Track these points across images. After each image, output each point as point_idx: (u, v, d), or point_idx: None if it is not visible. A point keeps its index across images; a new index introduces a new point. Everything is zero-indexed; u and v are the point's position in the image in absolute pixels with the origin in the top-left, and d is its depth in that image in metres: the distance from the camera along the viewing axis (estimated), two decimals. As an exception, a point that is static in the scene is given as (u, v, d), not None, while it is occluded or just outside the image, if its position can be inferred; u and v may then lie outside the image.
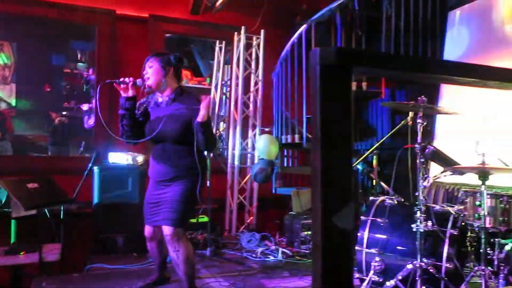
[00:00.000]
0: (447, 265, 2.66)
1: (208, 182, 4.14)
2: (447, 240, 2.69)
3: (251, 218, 5.60)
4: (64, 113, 6.42)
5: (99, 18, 5.24)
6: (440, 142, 4.84)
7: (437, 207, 2.89)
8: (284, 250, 4.48)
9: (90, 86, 6.41)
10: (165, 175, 2.81)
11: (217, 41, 6.02)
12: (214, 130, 2.97)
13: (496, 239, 2.49)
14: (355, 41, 4.67)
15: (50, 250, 3.73)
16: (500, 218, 2.41)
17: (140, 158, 4.52)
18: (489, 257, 2.51)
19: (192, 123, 2.71)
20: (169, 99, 2.85)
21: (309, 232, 4.78)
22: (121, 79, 2.76)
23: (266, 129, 5.62)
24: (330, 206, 0.83)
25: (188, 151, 2.75)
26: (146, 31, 5.43)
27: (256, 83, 5.70)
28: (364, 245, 2.94)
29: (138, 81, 2.79)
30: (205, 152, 3.20)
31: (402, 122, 3.74)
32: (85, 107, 6.51)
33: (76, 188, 4.06)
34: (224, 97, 6.17)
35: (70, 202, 4.12)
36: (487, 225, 2.41)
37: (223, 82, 6.11)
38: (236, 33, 5.65)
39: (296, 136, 4.88)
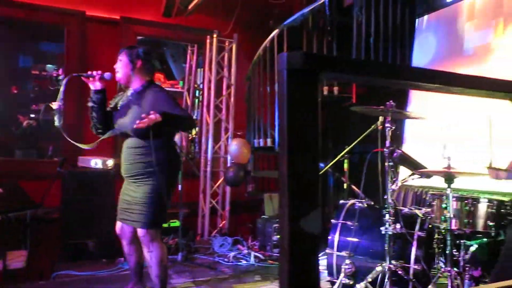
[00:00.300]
0: (415, 266, 2.72)
1: (179, 186, 4.10)
2: (414, 242, 2.74)
3: (224, 222, 5.58)
4: (32, 116, 6.24)
5: (68, 19, 5.13)
6: (409, 146, 4.95)
7: (406, 210, 2.95)
8: (256, 254, 4.48)
9: (59, 87, 6.26)
10: (130, 171, 2.75)
11: (189, 44, 5.99)
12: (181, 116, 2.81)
13: (462, 241, 2.55)
14: (326, 47, 4.72)
15: (15, 257, 3.61)
16: (465, 220, 2.48)
17: (110, 162, 4.44)
18: (455, 258, 2.57)
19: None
20: (136, 92, 2.81)
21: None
22: (89, 73, 2.76)
23: (239, 133, 5.62)
24: (297, 210, 0.83)
25: (156, 146, 2.65)
26: (117, 33, 5.35)
27: (228, 87, 5.69)
28: (335, 248, 2.97)
29: (106, 74, 2.76)
30: (178, 149, 3.12)
31: (373, 126, 3.80)
32: (54, 105, 6.34)
33: (44, 193, 3.95)
34: (196, 100, 6.14)
35: (36, 207, 4.01)
36: (453, 227, 2.47)
37: (196, 86, 6.08)
38: (208, 36, 5.63)
39: (269, 140, 4.90)
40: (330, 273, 3.02)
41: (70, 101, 4.11)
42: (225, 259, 4.43)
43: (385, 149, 2.71)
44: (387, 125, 2.73)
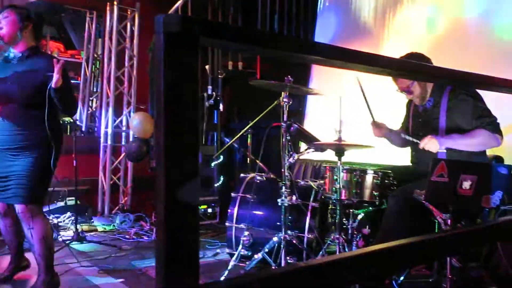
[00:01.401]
0: (309, 236, 2.86)
1: (74, 161, 3.86)
2: (308, 213, 2.88)
3: (126, 199, 5.40)
4: None
5: None
6: (310, 122, 5.16)
7: (302, 182, 3.07)
8: (159, 230, 4.40)
9: None
10: (11, 143, 2.50)
11: (88, 11, 5.59)
12: (72, 93, 2.69)
13: (351, 210, 2.72)
14: (232, 21, 4.70)
15: None
16: (354, 191, 2.64)
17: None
18: (344, 226, 2.74)
19: (45, 87, 2.45)
20: (22, 55, 2.56)
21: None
22: None
23: (142, 107, 5.42)
24: (175, 179, 0.80)
25: (39, 117, 2.46)
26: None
27: (131, 59, 5.43)
28: (234, 221, 3.02)
29: None
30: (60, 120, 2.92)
31: (275, 102, 3.88)
32: None
33: None
34: (97, 72, 5.79)
35: None
36: (343, 197, 2.63)
37: (96, 56, 5.72)
38: (108, 3, 5.29)
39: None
40: (230, 246, 3.06)
41: None
42: (126, 236, 4.30)
43: (282, 124, 2.77)
44: (285, 100, 2.79)
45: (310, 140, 2.85)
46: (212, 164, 5.33)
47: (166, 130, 0.79)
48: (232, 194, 3.10)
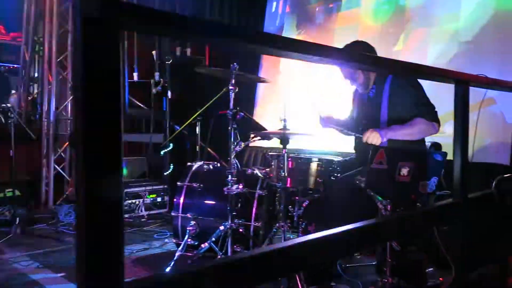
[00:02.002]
0: (255, 224, 2.86)
1: (11, 151, 3.66)
2: (255, 201, 2.88)
3: (71, 189, 5.20)
4: None
5: None
6: (261, 110, 5.15)
7: (249, 170, 3.06)
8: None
9: None
10: None
11: (26, -10, 5.27)
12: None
13: (296, 198, 2.74)
14: (179, 8, 4.58)
15: None
16: (299, 178, 2.65)
17: None
18: (290, 214, 2.76)
19: None
20: None
21: (134, 201, 4.67)
22: None
23: (87, 93, 5.20)
24: (95, 171, 0.75)
25: None
26: None
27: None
28: (180, 211, 2.97)
29: None
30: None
31: (224, 89, 3.84)
32: None
33: None
34: (36, 56, 5.49)
35: None
36: (288, 185, 2.64)
37: (36, 39, 5.42)
38: (48, -17, 5.01)
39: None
40: (176, 236, 3.02)
41: None
42: (71, 228, 4.15)
43: (228, 112, 2.74)
44: (231, 87, 2.75)
45: (256, 128, 2.84)
46: (162, 152, 5.24)
47: (87, 118, 0.74)
48: (178, 183, 3.05)
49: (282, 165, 2.60)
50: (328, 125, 2.87)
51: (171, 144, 5.07)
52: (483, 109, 3.26)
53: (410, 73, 2.15)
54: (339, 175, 2.70)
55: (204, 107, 4.37)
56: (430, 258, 2.66)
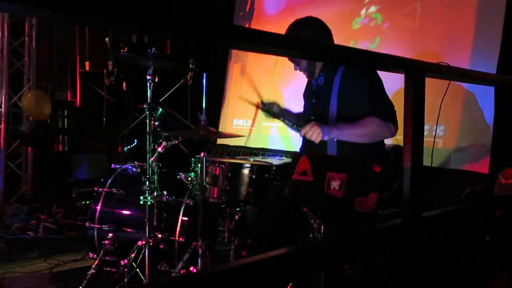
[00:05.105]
0: (181, 239, 2.42)
1: None
2: (181, 212, 2.43)
3: (25, 187, 4.83)
4: None
5: None
6: (230, 104, 4.70)
7: (182, 175, 2.61)
8: (48, 224, 3.88)
9: None
10: None
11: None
12: None
13: (227, 209, 2.29)
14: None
15: None
16: (227, 188, 2.19)
17: None
18: (221, 228, 2.32)
19: None
20: None
21: (87, 202, 4.27)
22: None
23: (44, 84, 4.81)
24: None
25: None
26: None
27: (30, 28, 4.78)
28: (96, 221, 2.54)
29: None
30: None
31: (182, 80, 3.41)
32: None
33: None
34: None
35: None
36: (215, 196, 2.19)
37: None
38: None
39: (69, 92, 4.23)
40: (93, 249, 2.59)
41: None
42: (9, 232, 3.78)
43: (145, 106, 2.29)
44: (148, 77, 2.30)
45: (174, 127, 2.40)
46: (125, 149, 4.84)
47: None
48: (95, 189, 2.61)
49: (202, 172, 2.15)
50: (271, 114, 2.43)
51: (135, 140, 4.68)
52: (462, 107, 2.76)
53: (342, 62, 1.67)
54: (277, 183, 2.24)
55: (160, 100, 3.95)
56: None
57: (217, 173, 2.19)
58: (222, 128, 4.52)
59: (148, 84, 2.30)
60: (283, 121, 2.34)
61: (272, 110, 2.43)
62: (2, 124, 4.63)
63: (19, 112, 4.82)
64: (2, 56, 4.63)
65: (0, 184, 4.64)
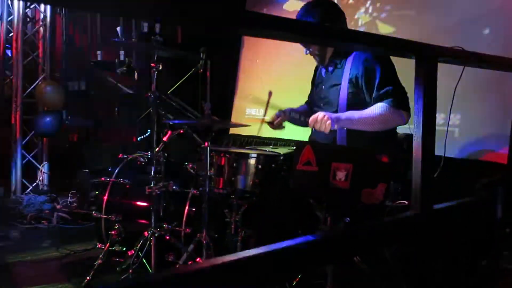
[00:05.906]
0: (187, 230, 2.38)
1: None
2: (188, 202, 2.39)
3: (41, 177, 4.88)
4: None
5: None
6: (243, 94, 4.63)
7: (190, 165, 2.56)
8: (62, 214, 3.91)
9: None
10: None
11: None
12: None
13: (233, 201, 2.23)
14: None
15: None
16: (233, 178, 2.14)
17: None
18: (227, 219, 2.26)
19: None
20: None
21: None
22: None
23: (57, 75, 4.83)
24: None
25: None
26: None
27: (44, 19, 4.79)
28: (103, 211, 2.52)
29: None
30: None
31: (193, 69, 3.36)
32: None
33: None
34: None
35: None
36: (220, 186, 2.14)
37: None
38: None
39: (83, 83, 4.23)
40: (100, 240, 2.58)
41: None
42: (25, 221, 3.82)
43: (149, 94, 2.25)
44: (152, 64, 2.25)
45: (175, 116, 2.35)
46: (139, 139, 4.83)
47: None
48: (102, 179, 2.59)
49: (208, 161, 2.10)
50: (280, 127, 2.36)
51: (148, 130, 4.66)
52: (477, 94, 2.63)
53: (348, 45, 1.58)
54: (283, 174, 2.17)
55: (170, 90, 3.91)
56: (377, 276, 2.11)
57: (222, 163, 2.14)
58: (235, 117, 4.46)
59: (153, 72, 2.26)
60: (290, 121, 2.31)
61: (281, 127, 2.36)
62: (18, 115, 4.67)
63: (33, 102, 4.86)
64: (16, 47, 4.66)
65: (18, 174, 4.70)
